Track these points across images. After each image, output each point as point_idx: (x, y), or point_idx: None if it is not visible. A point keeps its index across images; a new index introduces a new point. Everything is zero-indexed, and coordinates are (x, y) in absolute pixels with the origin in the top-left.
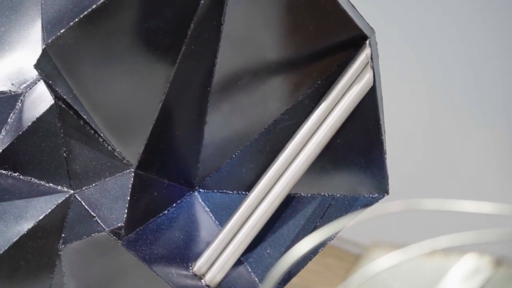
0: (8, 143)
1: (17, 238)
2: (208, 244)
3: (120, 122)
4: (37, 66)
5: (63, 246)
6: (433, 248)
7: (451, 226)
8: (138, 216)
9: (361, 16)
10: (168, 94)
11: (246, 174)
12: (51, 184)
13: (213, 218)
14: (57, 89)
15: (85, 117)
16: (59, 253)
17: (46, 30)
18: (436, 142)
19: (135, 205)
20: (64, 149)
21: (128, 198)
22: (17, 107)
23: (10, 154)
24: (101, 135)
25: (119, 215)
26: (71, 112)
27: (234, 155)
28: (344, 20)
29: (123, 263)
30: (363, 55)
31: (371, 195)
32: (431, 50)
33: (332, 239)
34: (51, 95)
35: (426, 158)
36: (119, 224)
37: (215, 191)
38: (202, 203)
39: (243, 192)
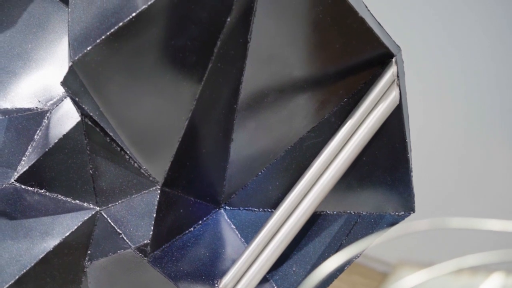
0: (35, 160)
1: (43, 255)
2: (234, 261)
3: (147, 140)
4: (63, 83)
5: (89, 263)
6: (460, 267)
7: (478, 244)
8: (164, 233)
9: (387, 34)
10: (194, 112)
11: (272, 192)
12: (77, 201)
13: (239, 235)
14: (83, 106)
15: (111, 134)
16: (85, 270)
17: (73, 47)
18: (463, 160)
19: (161, 222)
20: (91, 166)
21: (154, 215)
22: (43, 124)
23: (36, 171)
24: (128, 152)
25: (145, 232)
26: (98, 129)
27: (260, 173)
28: (371, 38)
29: (149, 280)
30: (390, 73)
31: (397, 213)
32: (457, 67)
33: (358, 257)
34: (78, 112)
35: (453, 176)
36: (145, 241)
37: (241, 208)
38: (228, 220)
39: (269, 210)
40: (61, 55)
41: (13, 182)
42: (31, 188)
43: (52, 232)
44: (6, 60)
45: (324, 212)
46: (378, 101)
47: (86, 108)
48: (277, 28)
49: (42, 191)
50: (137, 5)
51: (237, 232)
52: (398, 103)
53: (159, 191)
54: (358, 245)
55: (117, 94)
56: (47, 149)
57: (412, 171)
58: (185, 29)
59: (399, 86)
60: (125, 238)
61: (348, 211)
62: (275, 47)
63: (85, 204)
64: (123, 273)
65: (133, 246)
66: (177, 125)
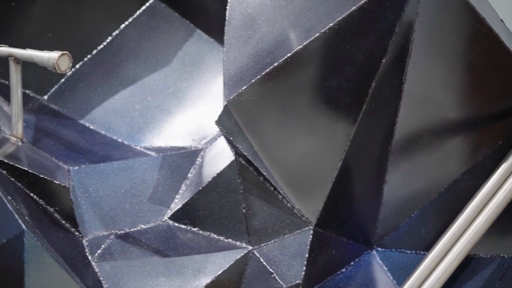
0: (188, 198)
1: None
2: None
3: (300, 180)
4: (218, 122)
5: None
6: None
7: None
8: (316, 273)
9: None
10: (348, 153)
11: (424, 234)
12: (230, 240)
13: (391, 277)
14: (237, 145)
15: (265, 173)
16: None
17: (228, 86)
18: None
19: (313, 262)
20: (244, 205)
21: (307, 256)
22: (197, 162)
23: (190, 209)
24: (281, 192)
25: (297, 272)
26: (251, 169)
27: (413, 215)
28: None
29: None
30: None
31: None
32: None
33: None
34: (231, 151)
35: None
36: (297, 281)
37: (393, 250)
38: (380, 262)
39: (422, 252)
40: (216, 94)
41: (166, 219)
42: (184, 226)
43: (205, 270)
44: (161, 98)
45: (477, 256)
46: None
47: (240, 147)
48: (432, 69)
49: (195, 229)
50: (292, 45)
51: (389, 274)
52: None
53: (311, 232)
54: None
55: (272, 133)
56: (200, 188)
57: None
58: (340, 69)
59: None
60: (277, 277)
61: (502, 255)
62: (429, 89)
63: (238, 243)
64: None
65: (285, 286)
66: (331, 165)
